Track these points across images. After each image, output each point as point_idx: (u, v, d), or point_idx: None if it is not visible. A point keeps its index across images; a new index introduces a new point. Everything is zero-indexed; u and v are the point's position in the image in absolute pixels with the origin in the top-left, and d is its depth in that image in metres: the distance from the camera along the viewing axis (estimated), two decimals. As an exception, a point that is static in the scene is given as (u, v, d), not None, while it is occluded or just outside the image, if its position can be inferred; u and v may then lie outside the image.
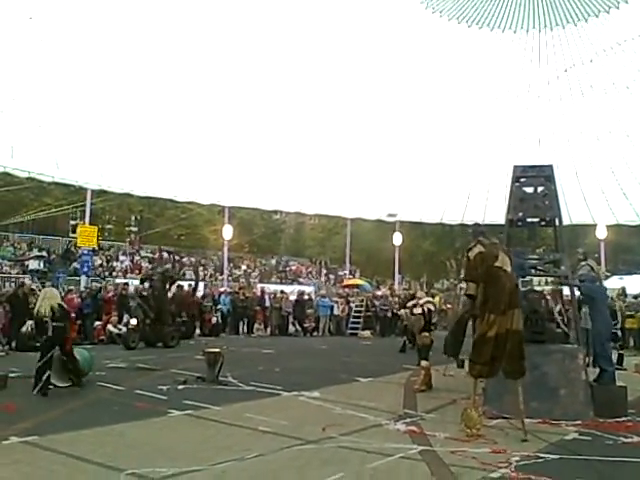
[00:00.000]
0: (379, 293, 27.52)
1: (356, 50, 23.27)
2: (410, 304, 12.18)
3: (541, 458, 6.35)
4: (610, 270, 31.71)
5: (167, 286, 17.77)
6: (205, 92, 21.83)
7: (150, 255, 32.45)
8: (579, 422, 7.94)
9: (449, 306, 29.36)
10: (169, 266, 22.77)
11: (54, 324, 9.72)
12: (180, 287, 21.64)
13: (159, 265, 23.46)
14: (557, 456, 6.44)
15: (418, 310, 11.24)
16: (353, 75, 23.76)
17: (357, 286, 28.87)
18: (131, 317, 16.90)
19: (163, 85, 21.12)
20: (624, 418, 8.18)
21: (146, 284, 17.92)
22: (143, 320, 16.46)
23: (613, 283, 29.43)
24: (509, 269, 7.65)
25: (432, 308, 11.27)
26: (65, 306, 10.51)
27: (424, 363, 10.66)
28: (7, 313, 15.67)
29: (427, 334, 10.95)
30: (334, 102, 24.03)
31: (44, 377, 9.34)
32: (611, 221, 27.26)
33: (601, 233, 27.29)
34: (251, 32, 21.44)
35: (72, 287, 20.38)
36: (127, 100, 20.36)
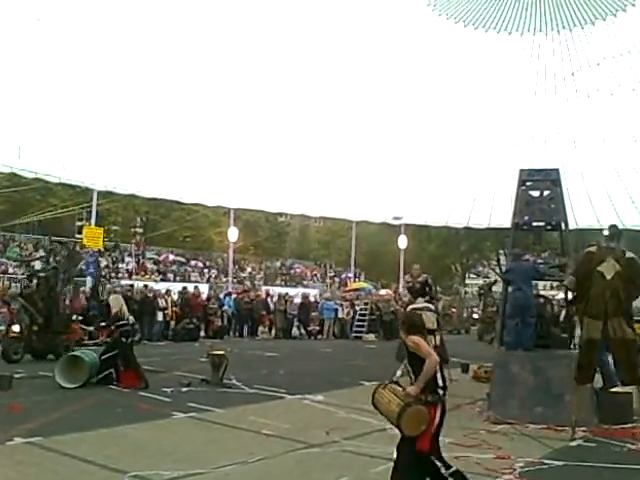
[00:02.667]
0: (382, 292, 27.50)
1: (363, 52, 23.26)
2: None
3: (545, 464, 6.32)
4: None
5: (61, 284, 14.84)
6: (211, 95, 21.86)
7: (155, 257, 32.54)
8: (584, 428, 7.89)
9: (454, 310, 29.39)
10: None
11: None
12: (185, 289, 21.76)
13: (52, 257, 20.40)
14: (562, 462, 6.40)
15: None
16: (359, 77, 23.76)
17: (359, 289, 28.88)
18: (14, 323, 13.93)
19: (170, 87, 21.15)
20: (630, 424, 8.12)
21: (34, 281, 15.03)
22: (29, 326, 13.45)
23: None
24: (609, 276, 7.51)
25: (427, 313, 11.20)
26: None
27: None
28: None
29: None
30: (340, 105, 24.02)
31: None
32: (618, 225, 27.13)
33: (607, 238, 27.16)
34: (258, 36, 21.46)
35: (83, 287, 20.48)
36: (134, 102, 20.41)
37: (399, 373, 4.88)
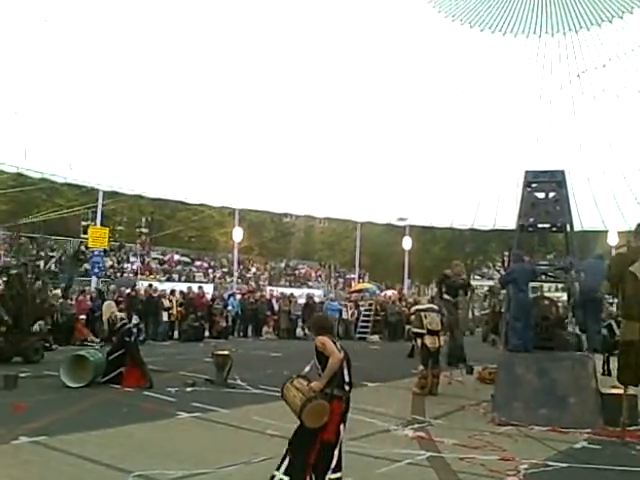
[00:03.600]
0: (389, 293, 27.50)
1: (370, 54, 23.26)
2: (414, 309, 12.25)
3: (550, 466, 6.31)
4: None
5: (30, 282, 14.31)
6: (217, 96, 21.90)
7: (160, 257, 32.62)
8: (589, 430, 7.88)
9: (459, 311, 29.16)
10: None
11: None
12: (189, 289, 21.81)
13: (19, 254, 19.93)
14: (566, 465, 6.39)
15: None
16: (364, 79, 23.76)
17: (364, 290, 28.88)
18: None
19: (175, 88, 21.20)
20: (635, 427, 8.09)
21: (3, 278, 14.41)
22: None
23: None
24: None
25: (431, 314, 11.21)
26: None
27: (419, 367, 10.81)
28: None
29: (419, 339, 11.05)
30: (345, 106, 24.02)
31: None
32: (623, 227, 27.06)
33: (612, 239, 27.10)
34: (262, 38, 21.49)
35: (86, 287, 20.56)
36: (140, 103, 20.46)
37: (307, 368, 5.15)
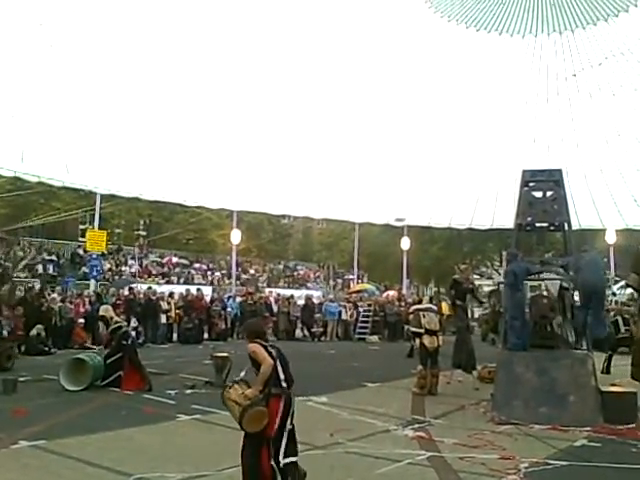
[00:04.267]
0: (390, 294, 27.49)
1: (366, 55, 23.28)
2: (412, 308, 12.27)
3: (550, 465, 6.32)
4: (619, 275, 31.51)
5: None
6: (213, 97, 21.90)
7: (158, 259, 32.57)
8: (589, 428, 7.89)
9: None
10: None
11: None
12: (187, 291, 21.78)
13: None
14: (566, 463, 6.40)
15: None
16: (361, 79, 23.78)
17: (362, 291, 28.87)
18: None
19: (172, 91, 21.20)
20: (635, 424, 8.10)
21: None
22: None
23: (623, 289, 29.26)
24: None
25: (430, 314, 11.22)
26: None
27: (418, 367, 10.82)
28: (20, 317, 15.65)
29: (417, 339, 11.07)
30: (343, 107, 24.03)
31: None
32: (620, 225, 27.12)
33: (610, 238, 27.16)
34: (260, 40, 21.50)
35: (85, 291, 20.51)
36: (137, 105, 20.45)
37: (242, 373, 5.43)
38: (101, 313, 11.61)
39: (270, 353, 5.17)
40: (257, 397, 5.02)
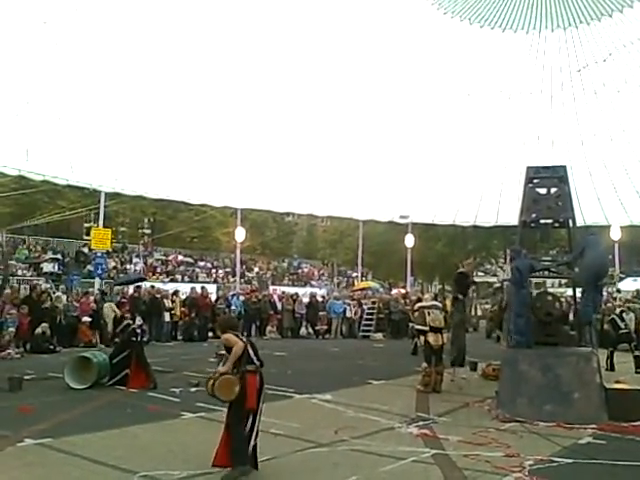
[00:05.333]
0: (396, 292, 27.51)
1: (368, 51, 23.22)
2: (417, 306, 12.22)
3: (555, 462, 6.31)
4: (624, 272, 31.46)
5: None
6: (217, 96, 21.90)
7: (163, 257, 32.66)
8: (593, 426, 7.87)
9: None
10: None
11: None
12: (193, 290, 21.84)
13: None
14: (571, 460, 6.39)
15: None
16: (365, 76, 23.73)
17: (366, 289, 28.87)
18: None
19: (176, 89, 21.20)
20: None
21: None
22: None
23: (627, 285, 29.22)
24: None
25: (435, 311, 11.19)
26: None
27: (422, 365, 10.80)
28: (25, 315, 15.73)
29: (422, 337, 11.02)
30: (346, 104, 24.00)
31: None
32: (625, 222, 27.04)
33: (615, 234, 27.09)
34: (263, 38, 21.48)
35: (89, 289, 20.58)
36: (141, 104, 20.46)
37: (220, 365, 6.19)
38: (110, 316, 11.55)
39: (241, 339, 5.95)
40: (227, 372, 5.75)
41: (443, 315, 11.27)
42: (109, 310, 11.67)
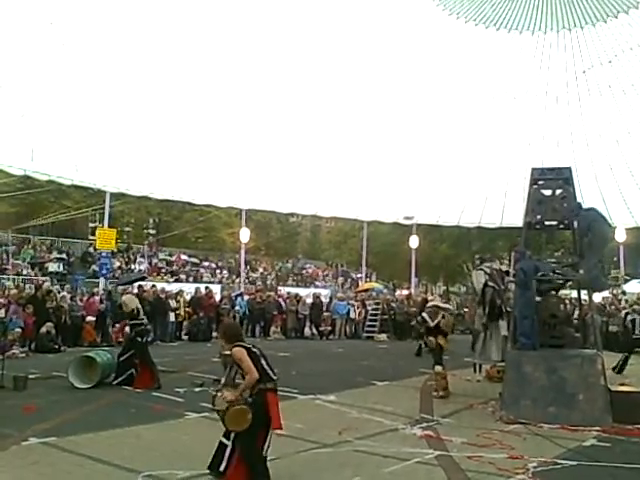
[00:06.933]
0: (404, 293, 27.47)
1: (373, 52, 23.22)
2: (432, 304, 12.10)
3: (559, 464, 6.30)
4: (629, 274, 31.34)
5: None
6: (223, 96, 21.94)
7: (168, 258, 32.69)
8: (598, 428, 7.85)
9: (466, 310, 29.42)
10: None
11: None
12: (198, 290, 21.87)
13: None
14: (575, 462, 6.38)
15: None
16: (370, 77, 23.73)
17: (370, 289, 28.87)
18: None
19: (181, 90, 21.24)
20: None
21: None
22: None
23: (632, 287, 29.10)
24: None
25: (449, 316, 11.15)
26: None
27: (437, 368, 10.59)
28: (30, 315, 15.78)
29: (432, 338, 10.87)
30: (351, 105, 24.00)
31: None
32: (630, 224, 26.97)
33: (620, 236, 27.01)
34: (267, 38, 21.50)
35: (95, 289, 20.62)
36: (146, 104, 20.51)
37: (223, 379, 5.78)
38: (131, 306, 11.28)
39: (254, 355, 5.39)
40: (238, 399, 5.24)
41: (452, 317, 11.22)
42: (131, 301, 11.48)
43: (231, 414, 5.17)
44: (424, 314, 11.35)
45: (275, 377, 5.45)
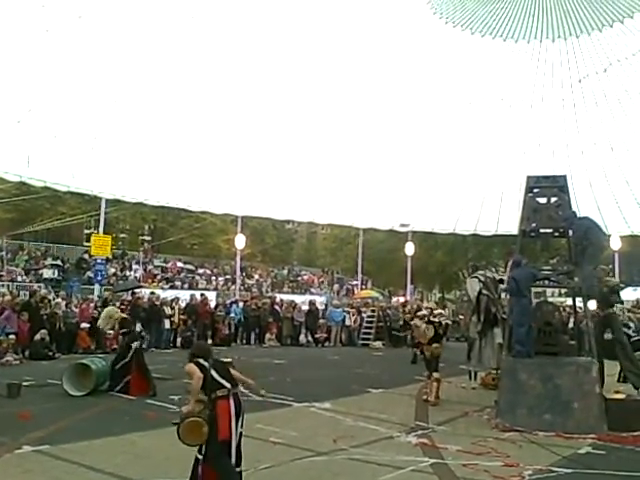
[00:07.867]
0: (401, 300, 27.48)
1: (370, 61, 23.30)
2: (420, 314, 12.13)
3: (554, 472, 6.30)
4: (624, 281, 31.42)
5: None
6: (218, 102, 21.97)
7: (163, 264, 32.65)
8: (593, 436, 7.86)
9: (461, 317, 29.48)
10: None
11: None
12: (193, 297, 21.83)
13: None
14: (570, 470, 6.37)
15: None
16: (366, 85, 23.80)
17: (367, 298, 28.87)
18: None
19: (177, 96, 21.26)
20: (639, 432, 8.05)
21: None
22: None
23: (627, 295, 29.17)
24: None
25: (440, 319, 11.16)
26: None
27: (436, 375, 10.55)
28: (25, 322, 15.71)
29: (438, 345, 10.82)
30: (347, 112, 24.06)
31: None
32: (625, 232, 27.07)
33: (615, 244, 27.09)
34: (262, 44, 21.55)
35: (89, 296, 20.56)
36: (142, 111, 20.52)
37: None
38: (111, 320, 11.50)
39: (202, 367, 5.28)
40: (190, 412, 5.15)
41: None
42: (112, 312, 11.63)
43: (184, 427, 5.09)
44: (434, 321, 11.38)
45: (228, 385, 5.30)
